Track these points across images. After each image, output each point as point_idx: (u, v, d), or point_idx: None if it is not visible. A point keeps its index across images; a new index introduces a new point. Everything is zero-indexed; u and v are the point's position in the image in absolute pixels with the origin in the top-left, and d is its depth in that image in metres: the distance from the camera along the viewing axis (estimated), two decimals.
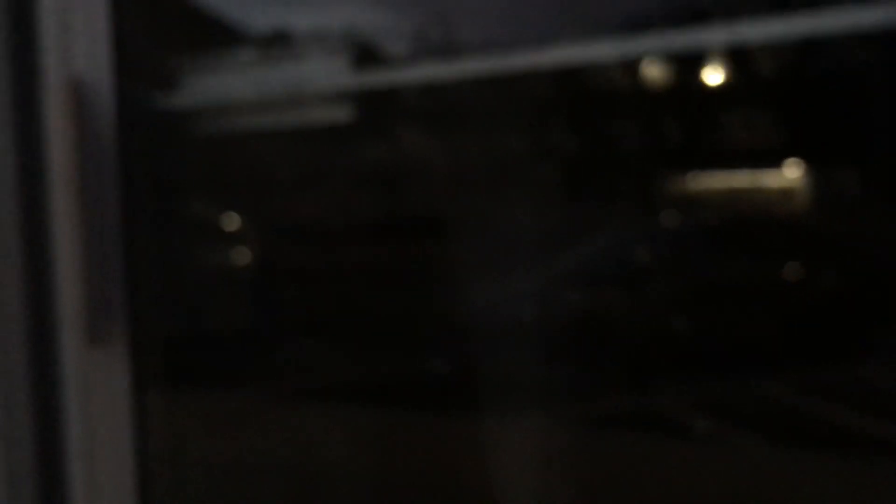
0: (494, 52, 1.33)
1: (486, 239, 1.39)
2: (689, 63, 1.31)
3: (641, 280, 1.40)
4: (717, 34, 1.24)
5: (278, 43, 1.40)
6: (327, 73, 1.43)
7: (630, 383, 1.35)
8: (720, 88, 1.31)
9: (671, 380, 1.32)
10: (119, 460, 1.40)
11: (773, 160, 1.27)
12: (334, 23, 1.38)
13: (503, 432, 1.41)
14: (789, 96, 1.29)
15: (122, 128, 1.36)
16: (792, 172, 1.27)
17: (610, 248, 1.42)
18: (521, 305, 1.41)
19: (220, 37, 1.42)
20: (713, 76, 1.31)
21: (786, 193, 1.28)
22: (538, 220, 1.38)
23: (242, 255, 1.48)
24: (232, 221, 1.46)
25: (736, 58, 1.29)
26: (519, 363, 1.39)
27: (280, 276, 1.47)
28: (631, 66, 1.34)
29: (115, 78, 1.35)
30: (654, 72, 1.35)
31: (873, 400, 1.20)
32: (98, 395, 1.40)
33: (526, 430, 1.39)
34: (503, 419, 1.40)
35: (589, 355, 1.36)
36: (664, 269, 1.39)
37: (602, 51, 1.32)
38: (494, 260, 1.40)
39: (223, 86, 1.43)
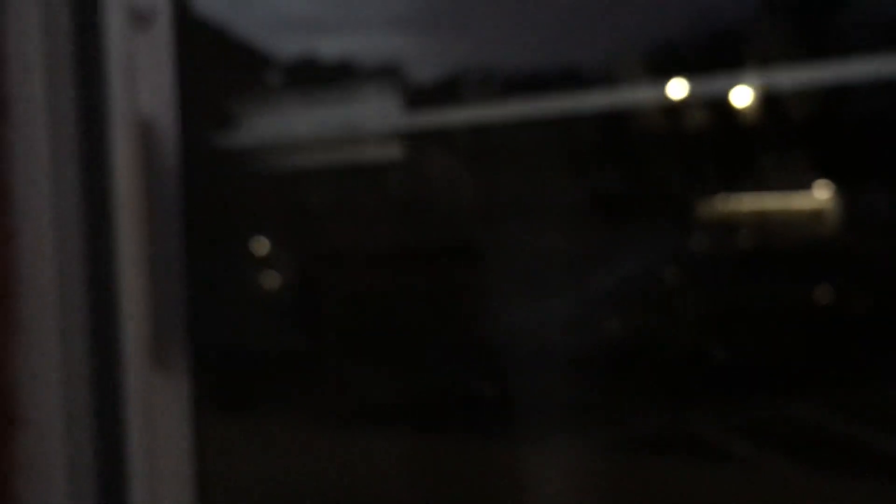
0: (539, 93, 1.41)
1: (527, 265, 1.45)
2: (720, 97, 1.38)
3: (677, 303, 1.45)
4: (747, 77, 1.30)
5: (332, 84, 1.48)
6: (377, 113, 1.51)
7: (665, 406, 1.40)
8: (752, 119, 1.37)
9: (707, 402, 1.36)
10: (179, 476, 1.47)
11: (804, 183, 1.33)
12: (385, 66, 1.47)
13: (543, 455, 1.46)
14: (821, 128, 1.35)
15: (184, 164, 1.45)
16: (822, 194, 1.32)
17: (644, 271, 1.47)
18: (563, 329, 1.47)
19: (275, 78, 1.51)
20: (744, 107, 1.37)
21: (817, 215, 1.32)
22: (579, 246, 1.45)
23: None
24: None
25: (765, 94, 1.35)
26: (557, 386, 1.44)
27: (329, 303, 1.54)
28: (667, 104, 1.41)
29: (178, 118, 1.44)
30: (688, 106, 1.41)
31: None
32: (160, 415, 1.48)
33: (563, 453, 1.44)
34: (543, 442, 1.46)
35: (627, 378, 1.41)
36: (699, 291, 1.43)
37: (638, 92, 1.39)
38: (534, 285, 1.46)
39: (277, 125, 1.51)
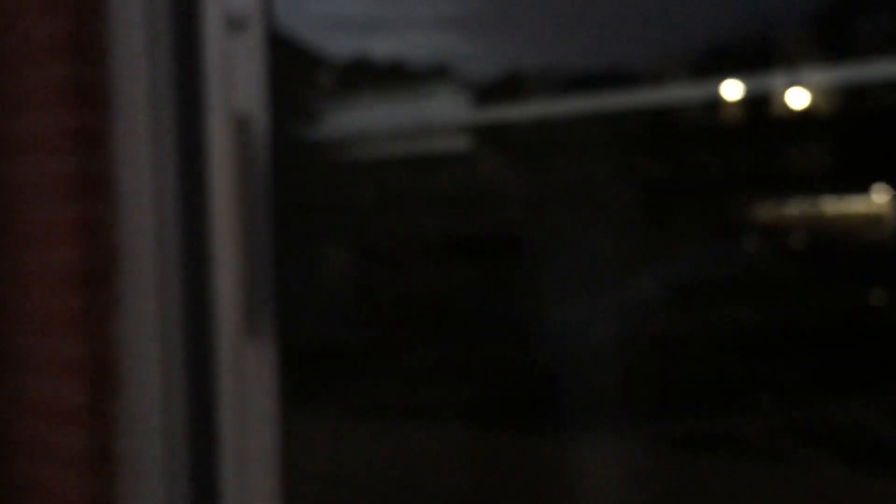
0: (590, 90, 1.52)
1: (576, 259, 1.54)
2: (772, 96, 1.42)
3: (732, 300, 1.45)
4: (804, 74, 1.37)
5: (406, 82, 1.63)
6: (447, 108, 1.66)
7: (713, 405, 1.44)
8: (805, 119, 1.41)
9: (754, 402, 1.40)
10: (266, 440, 1.64)
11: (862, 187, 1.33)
12: (452, 63, 1.62)
13: (587, 451, 1.55)
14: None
15: (274, 155, 1.61)
16: (880, 198, 1.32)
17: (700, 269, 1.51)
18: (617, 324, 1.54)
19: (355, 76, 1.67)
20: (795, 107, 1.40)
21: (874, 219, 1.33)
22: (635, 242, 1.52)
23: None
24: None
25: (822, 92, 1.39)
26: (602, 383, 1.52)
27: (397, 288, 1.68)
28: (719, 103, 1.47)
29: (269, 113, 1.60)
30: (741, 105, 1.45)
31: None
32: (251, 379, 1.65)
33: (607, 450, 1.53)
34: (589, 437, 1.55)
35: (678, 376, 1.46)
36: (753, 290, 1.44)
37: (692, 90, 1.47)
38: (583, 280, 1.54)
39: (357, 120, 1.67)
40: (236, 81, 1.62)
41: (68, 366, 1.79)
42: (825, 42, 1.38)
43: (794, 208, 1.40)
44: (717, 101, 1.45)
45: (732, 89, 1.43)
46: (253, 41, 1.61)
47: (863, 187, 1.32)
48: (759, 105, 1.43)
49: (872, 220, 1.32)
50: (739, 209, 1.43)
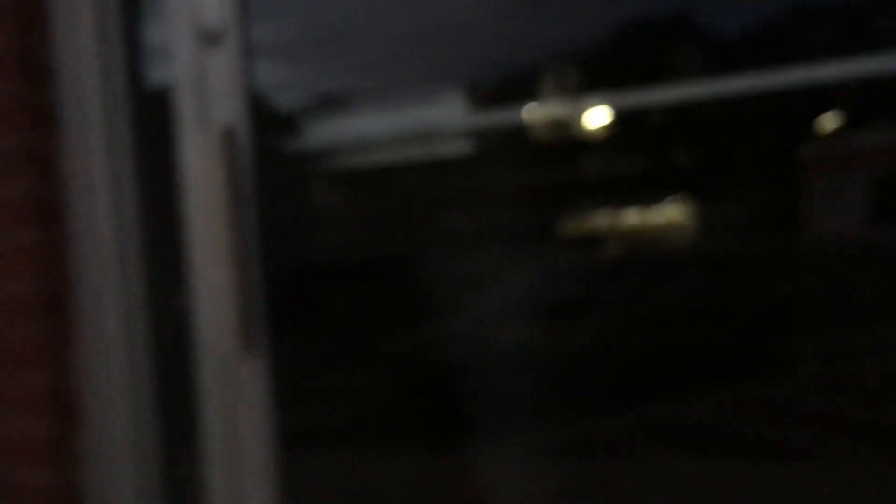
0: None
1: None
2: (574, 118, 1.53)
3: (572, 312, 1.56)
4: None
5: (388, 91, 1.69)
6: (415, 117, 1.73)
7: (564, 411, 1.53)
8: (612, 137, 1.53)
9: (603, 405, 1.49)
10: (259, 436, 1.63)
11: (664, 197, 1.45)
12: (438, 72, 1.69)
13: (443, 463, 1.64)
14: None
15: (258, 166, 1.62)
16: (679, 207, 1.45)
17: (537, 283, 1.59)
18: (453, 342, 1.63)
19: (338, 87, 1.71)
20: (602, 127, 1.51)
21: (676, 227, 1.45)
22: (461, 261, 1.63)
23: (361, 273, 1.75)
24: (352, 245, 1.73)
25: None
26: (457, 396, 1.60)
27: (387, 289, 1.73)
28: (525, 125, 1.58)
29: (251, 125, 1.62)
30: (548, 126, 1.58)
31: (779, 412, 1.40)
32: (245, 396, 1.64)
33: (465, 461, 1.61)
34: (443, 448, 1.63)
35: (521, 387, 1.55)
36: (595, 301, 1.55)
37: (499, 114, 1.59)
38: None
39: (338, 130, 1.71)
40: (215, 95, 1.62)
41: (28, 399, 1.70)
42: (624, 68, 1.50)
43: (598, 220, 1.50)
44: (524, 124, 1.54)
45: (536, 111, 1.53)
46: (230, 54, 1.62)
47: (660, 198, 1.46)
48: (563, 126, 1.52)
49: (669, 229, 1.45)
50: (548, 224, 1.52)
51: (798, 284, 1.41)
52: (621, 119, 1.50)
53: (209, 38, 1.62)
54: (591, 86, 1.50)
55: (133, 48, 1.73)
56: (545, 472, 1.57)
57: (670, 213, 1.47)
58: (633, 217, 1.51)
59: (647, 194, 1.49)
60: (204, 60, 1.63)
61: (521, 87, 1.54)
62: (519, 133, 1.57)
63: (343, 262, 1.72)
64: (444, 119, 1.64)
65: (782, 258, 1.40)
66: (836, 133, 1.37)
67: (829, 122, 1.37)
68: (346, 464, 1.73)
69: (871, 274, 1.35)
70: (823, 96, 1.36)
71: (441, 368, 1.65)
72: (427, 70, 1.63)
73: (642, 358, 1.50)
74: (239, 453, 1.65)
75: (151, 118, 1.71)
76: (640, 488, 1.48)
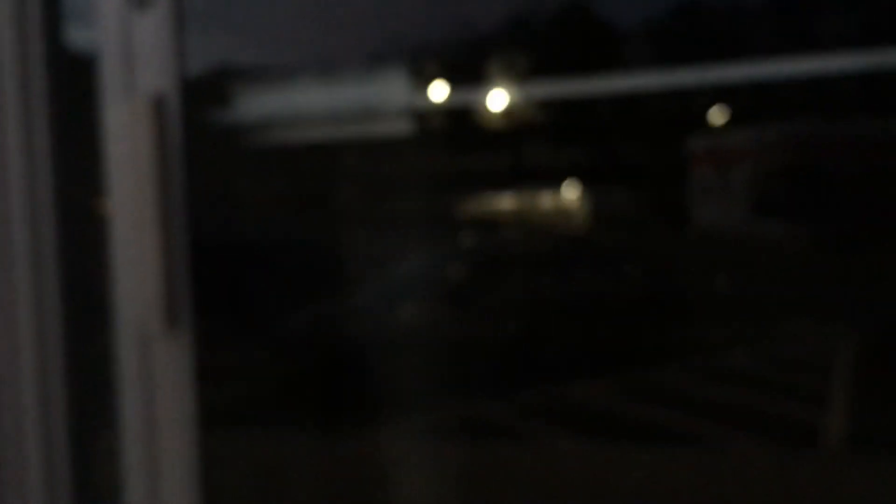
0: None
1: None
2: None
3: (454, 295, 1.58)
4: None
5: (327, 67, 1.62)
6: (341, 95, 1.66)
7: (449, 392, 1.54)
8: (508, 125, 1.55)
9: (486, 386, 1.52)
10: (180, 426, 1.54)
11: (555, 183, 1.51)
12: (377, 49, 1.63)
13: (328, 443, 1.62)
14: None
15: (188, 139, 1.53)
16: (572, 193, 1.50)
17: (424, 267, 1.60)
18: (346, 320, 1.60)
19: (271, 62, 1.63)
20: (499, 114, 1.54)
21: (567, 212, 1.49)
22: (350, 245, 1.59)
23: (277, 251, 1.67)
24: (275, 222, 1.65)
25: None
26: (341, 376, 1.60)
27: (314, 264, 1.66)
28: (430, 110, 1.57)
29: (182, 95, 1.52)
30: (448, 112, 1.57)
31: (658, 394, 1.48)
32: (168, 374, 1.54)
33: (350, 441, 1.60)
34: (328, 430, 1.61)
35: (408, 367, 1.53)
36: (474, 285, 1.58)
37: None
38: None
39: (273, 104, 1.63)
40: (143, 63, 1.52)
41: None
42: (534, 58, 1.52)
43: (493, 205, 1.52)
44: (429, 109, 1.56)
45: (442, 97, 1.54)
46: (160, 19, 1.52)
47: (555, 184, 1.48)
48: (466, 113, 1.54)
49: (563, 213, 1.47)
50: (447, 208, 1.53)
51: (681, 273, 1.44)
52: (520, 108, 1.51)
53: (137, 1, 1.52)
54: (492, 74, 1.49)
55: (53, 10, 1.62)
56: (435, 452, 1.56)
57: (562, 201, 1.50)
58: (526, 203, 1.54)
59: (542, 182, 1.52)
60: (131, 25, 1.52)
61: (422, 71, 1.52)
62: (420, 118, 1.55)
63: (262, 239, 1.66)
64: (363, 99, 1.59)
65: (667, 247, 1.43)
66: (722, 129, 1.40)
67: (715, 118, 1.41)
68: (256, 441, 1.66)
69: (750, 265, 1.39)
70: (712, 94, 1.39)
71: (335, 347, 1.60)
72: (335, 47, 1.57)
73: (529, 341, 1.51)
74: (158, 434, 1.56)
75: (73, 87, 1.60)
76: (529, 468, 1.50)
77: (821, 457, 1.39)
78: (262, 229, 1.65)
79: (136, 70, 1.53)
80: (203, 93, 1.61)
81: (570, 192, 1.49)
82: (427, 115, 1.55)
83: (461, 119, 1.55)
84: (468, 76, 1.52)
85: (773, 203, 1.37)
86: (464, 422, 1.54)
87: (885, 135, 1.32)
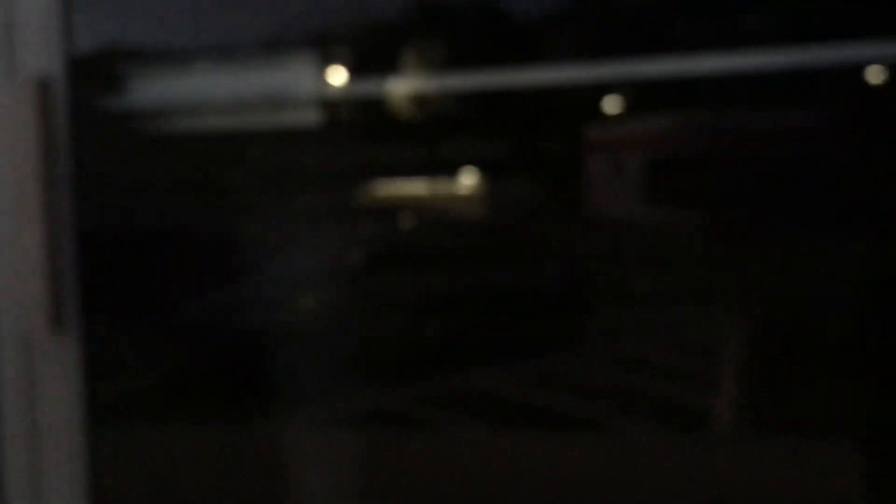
0: None
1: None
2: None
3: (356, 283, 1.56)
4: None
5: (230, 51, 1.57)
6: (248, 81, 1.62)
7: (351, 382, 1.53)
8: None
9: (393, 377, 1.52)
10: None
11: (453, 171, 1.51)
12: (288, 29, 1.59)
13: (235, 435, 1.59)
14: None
15: (75, 125, 1.48)
16: (469, 181, 1.50)
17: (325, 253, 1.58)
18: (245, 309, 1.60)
19: (177, 41, 1.57)
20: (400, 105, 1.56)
21: (466, 200, 1.49)
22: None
23: (183, 249, 1.62)
24: (174, 217, 1.60)
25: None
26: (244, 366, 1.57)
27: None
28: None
29: (69, 79, 1.47)
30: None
31: (572, 385, 1.47)
32: (53, 380, 1.48)
33: (258, 432, 1.58)
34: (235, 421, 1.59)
35: (309, 357, 1.54)
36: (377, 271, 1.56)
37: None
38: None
39: (169, 90, 1.58)
40: (27, 43, 1.46)
41: None
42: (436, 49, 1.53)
43: (391, 192, 1.52)
44: (333, 97, 1.54)
45: (346, 84, 1.52)
46: None
47: (455, 174, 1.48)
48: (370, 103, 1.53)
49: (460, 201, 1.48)
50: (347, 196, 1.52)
51: (575, 262, 1.47)
52: (425, 98, 1.52)
53: None
54: (393, 64, 1.50)
55: None
56: (336, 442, 1.55)
57: (461, 191, 1.50)
58: (424, 191, 1.54)
59: (442, 172, 1.53)
60: (14, 2, 1.46)
61: (328, 58, 1.52)
62: (324, 106, 1.55)
63: (158, 230, 1.61)
64: (264, 85, 1.56)
65: (563, 235, 1.46)
66: (617, 117, 1.44)
67: (610, 106, 1.44)
68: (151, 438, 1.61)
69: (642, 253, 1.43)
70: (608, 85, 1.43)
71: (233, 338, 1.58)
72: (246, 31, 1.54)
73: (429, 329, 1.53)
74: (41, 443, 1.50)
75: None
76: (433, 456, 1.51)
77: (713, 440, 1.42)
78: (157, 220, 1.60)
79: (18, 49, 1.47)
80: (93, 75, 1.55)
81: (469, 182, 1.50)
82: (331, 104, 1.54)
83: (366, 108, 1.55)
84: (373, 64, 1.52)
85: (664, 191, 1.40)
86: (361, 412, 1.53)
87: (775, 126, 1.36)
